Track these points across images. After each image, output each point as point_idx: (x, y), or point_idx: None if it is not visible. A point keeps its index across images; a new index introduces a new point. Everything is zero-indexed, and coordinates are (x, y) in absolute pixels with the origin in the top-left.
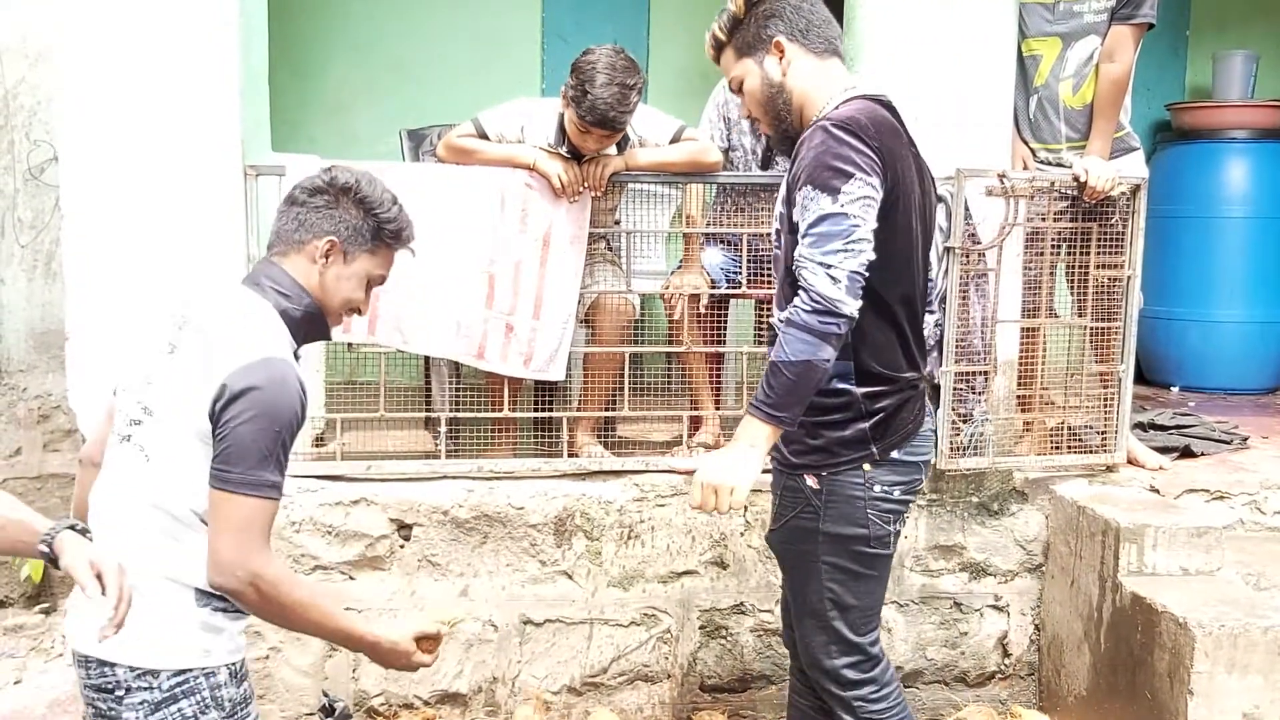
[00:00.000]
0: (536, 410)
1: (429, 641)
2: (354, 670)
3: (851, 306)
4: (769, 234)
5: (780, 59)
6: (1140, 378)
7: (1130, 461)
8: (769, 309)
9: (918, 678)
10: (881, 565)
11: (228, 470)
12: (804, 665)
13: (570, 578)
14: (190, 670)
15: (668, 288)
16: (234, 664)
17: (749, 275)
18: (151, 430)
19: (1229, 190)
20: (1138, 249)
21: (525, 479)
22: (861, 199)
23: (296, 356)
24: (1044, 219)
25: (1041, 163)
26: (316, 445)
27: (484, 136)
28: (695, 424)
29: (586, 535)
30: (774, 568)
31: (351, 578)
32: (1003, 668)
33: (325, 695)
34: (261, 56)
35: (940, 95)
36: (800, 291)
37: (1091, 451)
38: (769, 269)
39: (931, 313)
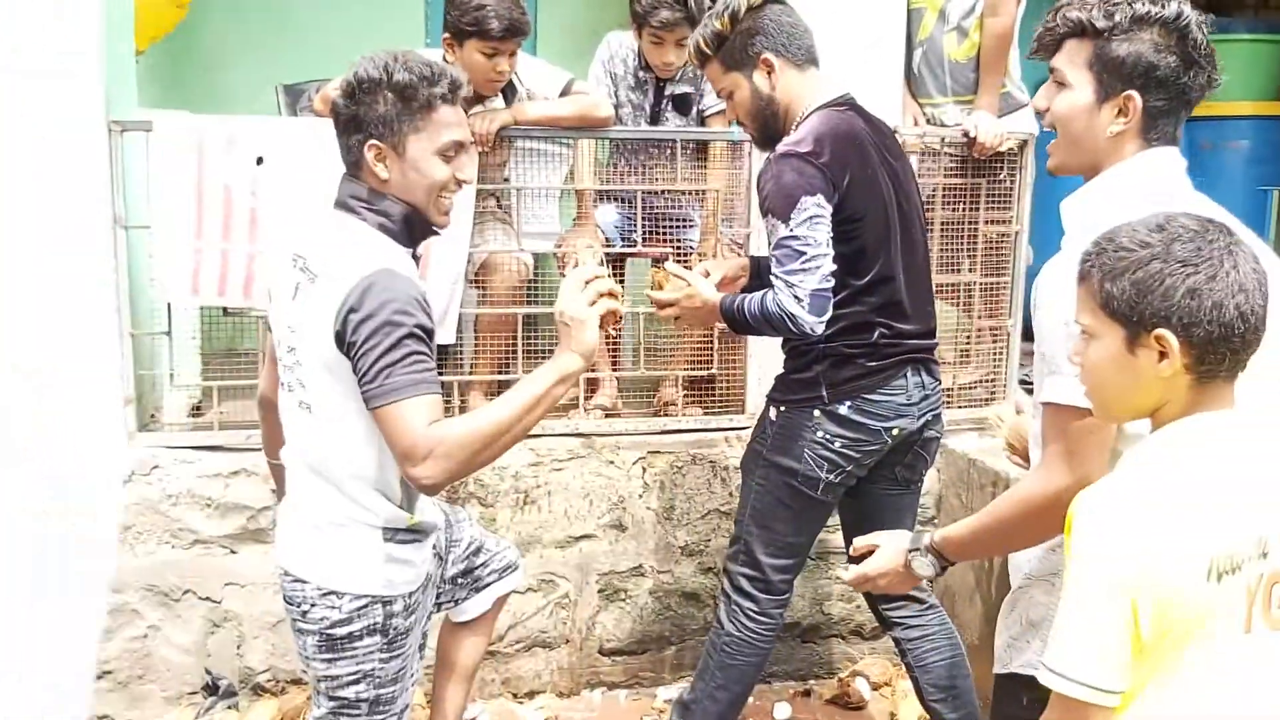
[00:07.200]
0: None
1: (610, 316)
2: (239, 646)
3: (812, 323)
4: (661, 191)
5: (769, 74)
6: (1029, 333)
7: (1019, 414)
8: (663, 267)
9: (815, 632)
10: (805, 505)
11: (372, 389)
12: (721, 568)
13: None
14: (371, 596)
15: (560, 246)
16: (410, 595)
17: (644, 233)
18: (305, 379)
19: None
20: (1025, 205)
21: None
22: (810, 218)
23: (416, 258)
24: (934, 175)
25: (926, 120)
26: (194, 415)
27: None
28: (592, 386)
29: (480, 501)
30: (672, 529)
31: (234, 551)
32: None
33: (209, 673)
34: (125, 12)
35: (833, 48)
36: (772, 294)
37: (981, 406)
38: (663, 226)
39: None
